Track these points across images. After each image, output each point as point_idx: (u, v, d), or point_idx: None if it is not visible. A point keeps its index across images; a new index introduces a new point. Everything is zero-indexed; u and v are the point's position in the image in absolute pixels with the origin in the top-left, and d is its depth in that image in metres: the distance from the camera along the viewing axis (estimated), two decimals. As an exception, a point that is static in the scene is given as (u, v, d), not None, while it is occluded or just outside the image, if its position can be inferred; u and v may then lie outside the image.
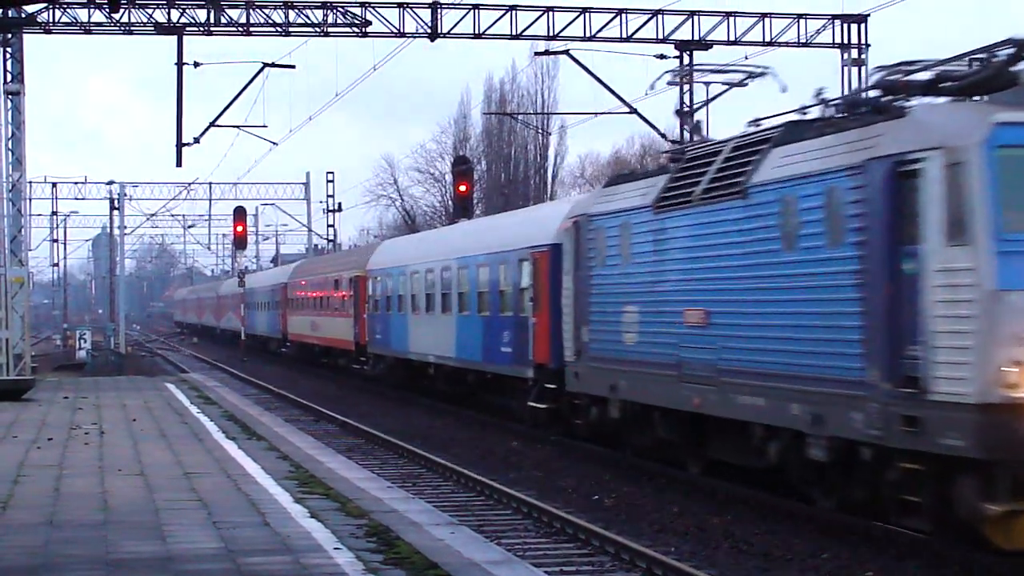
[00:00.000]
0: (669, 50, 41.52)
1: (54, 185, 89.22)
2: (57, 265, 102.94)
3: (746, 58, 42.33)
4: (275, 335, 69.53)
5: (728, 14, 41.40)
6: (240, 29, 40.15)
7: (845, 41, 41.67)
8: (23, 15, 39.45)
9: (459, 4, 39.84)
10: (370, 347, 45.42)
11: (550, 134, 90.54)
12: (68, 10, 39.32)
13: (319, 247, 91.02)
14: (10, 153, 41.11)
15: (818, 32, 41.79)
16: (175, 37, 39.86)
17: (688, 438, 21.94)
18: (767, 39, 41.63)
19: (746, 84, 44.80)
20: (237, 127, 47.11)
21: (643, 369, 22.42)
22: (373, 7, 40.08)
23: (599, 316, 24.27)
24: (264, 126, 47.82)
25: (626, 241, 23.10)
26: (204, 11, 39.72)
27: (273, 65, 41.62)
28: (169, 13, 39.65)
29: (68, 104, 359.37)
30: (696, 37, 41.29)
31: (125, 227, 78.16)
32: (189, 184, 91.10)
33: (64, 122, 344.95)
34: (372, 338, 45.04)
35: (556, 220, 27.85)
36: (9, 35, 40.17)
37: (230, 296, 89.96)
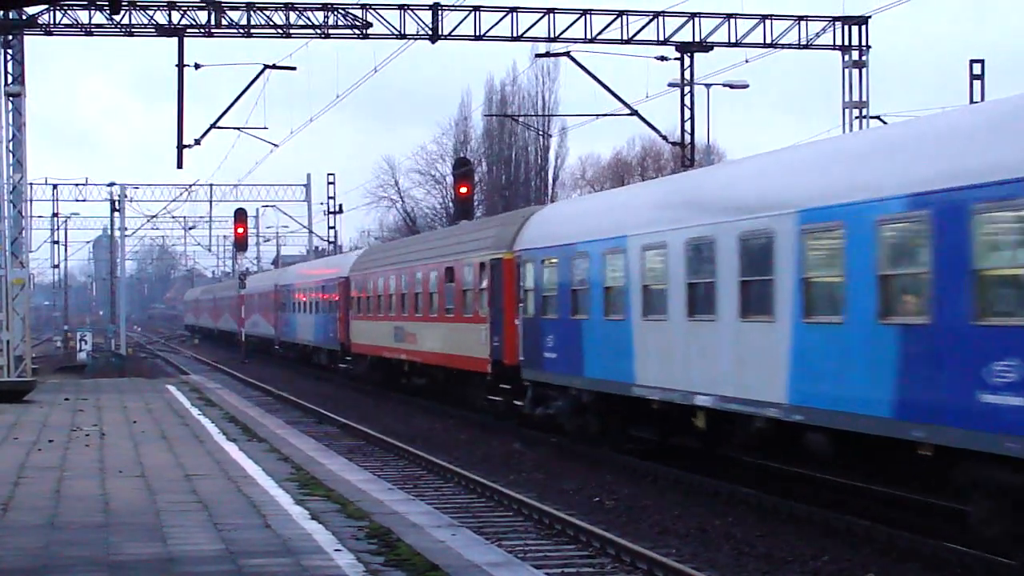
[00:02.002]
0: (670, 52, 41.56)
1: (55, 187, 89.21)
2: (58, 267, 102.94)
3: (746, 61, 42.47)
4: (326, 345, 53.72)
5: (729, 16, 41.41)
6: (241, 31, 40.17)
7: (846, 43, 41.66)
8: (24, 17, 39.45)
9: (460, 6, 39.89)
10: (528, 371, 28.68)
11: (551, 136, 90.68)
12: (69, 12, 39.33)
13: (319, 249, 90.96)
14: (11, 155, 41.11)
15: (819, 34, 41.78)
16: (174, 39, 39.85)
17: None
18: (768, 41, 41.63)
19: (746, 86, 44.52)
20: (238, 129, 47.08)
21: None
22: (374, 9, 40.10)
23: None
24: (265, 128, 47.76)
25: None
26: (205, 13, 39.74)
27: (274, 67, 41.61)
28: (170, 15, 39.67)
29: (64, 105, 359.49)
30: (697, 39, 41.29)
31: (126, 229, 78.16)
32: (190, 186, 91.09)
33: (60, 123, 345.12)
34: (534, 357, 28.25)
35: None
36: (10, 36, 40.17)
37: (257, 295, 76.07)
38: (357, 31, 40.20)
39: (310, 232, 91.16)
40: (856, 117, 41.25)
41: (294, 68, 41.73)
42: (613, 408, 24.92)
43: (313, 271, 60.64)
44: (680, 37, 41.30)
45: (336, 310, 50.87)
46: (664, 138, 46.46)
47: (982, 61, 43.57)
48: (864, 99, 41.44)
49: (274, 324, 68.45)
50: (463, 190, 46.47)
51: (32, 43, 40.94)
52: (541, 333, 27.74)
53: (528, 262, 28.67)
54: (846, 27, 41.76)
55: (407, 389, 41.90)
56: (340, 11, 40.11)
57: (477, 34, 40.47)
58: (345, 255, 59.94)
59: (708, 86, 45.57)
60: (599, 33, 41.01)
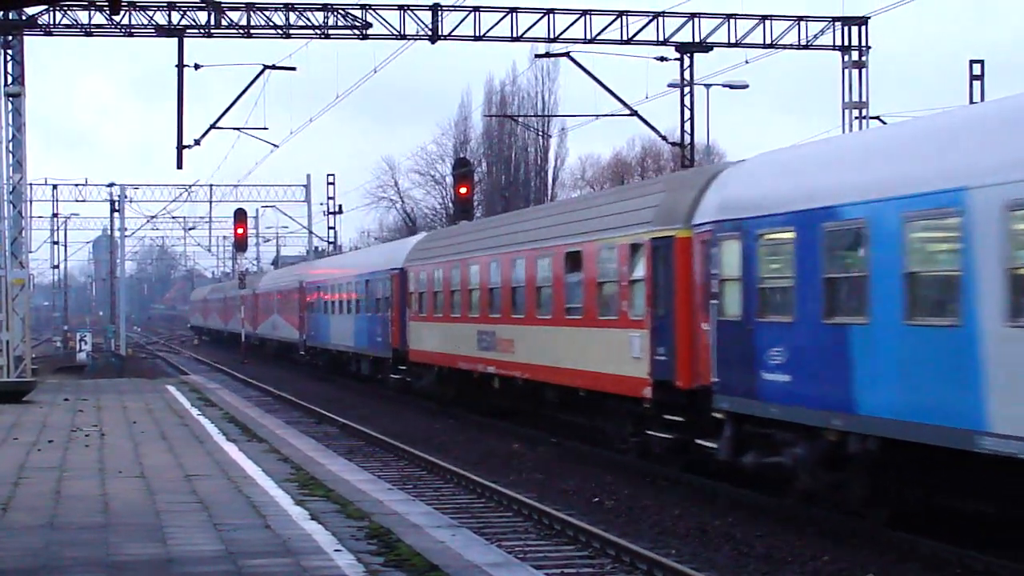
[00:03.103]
0: (670, 52, 41.58)
1: (54, 187, 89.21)
2: (57, 267, 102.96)
3: (746, 62, 42.48)
4: (373, 351, 44.54)
5: (729, 16, 41.42)
6: (241, 31, 40.19)
7: (846, 43, 41.67)
8: (24, 17, 39.46)
9: (460, 6, 39.90)
10: (727, 399, 19.83)
11: (550, 136, 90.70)
12: (68, 12, 39.34)
13: (319, 249, 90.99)
14: (10, 155, 41.11)
15: (819, 34, 41.80)
16: (172, 39, 39.87)
17: None
18: (768, 41, 41.65)
19: (746, 87, 44.51)
20: (238, 129, 47.08)
21: None
22: (374, 9, 40.11)
23: None
24: (265, 128, 47.78)
25: None
26: (205, 13, 39.75)
27: (274, 67, 41.63)
28: (170, 15, 39.69)
29: (61, 105, 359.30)
30: (696, 39, 41.30)
31: (125, 229, 78.17)
32: (190, 186, 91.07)
33: (57, 123, 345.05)
34: (742, 379, 19.41)
35: None
36: (10, 37, 40.18)
37: (277, 294, 68.33)
38: (357, 31, 40.21)
39: (310, 232, 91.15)
40: (856, 117, 41.26)
41: (294, 68, 41.81)
42: (913, 466, 16.60)
43: (352, 264, 51.75)
44: (680, 37, 41.33)
45: (387, 309, 41.66)
46: (664, 138, 46.48)
47: (982, 61, 43.61)
48: (864, 99, 41.45)
49: (299, 326, 59.50)
50: (463, 190, 46.46)
51: (29, 43, 40.85)
52: (757, 343, 18.89)
53: (729, 239, 19.81)
54: (846, 27, 41.77)
55: (494, 410, 33.36)
56: (340, 11, 40.12)
57: (477, 34, 40.48)
58: (398, 242, 48.63)
59: (708, 86, 45.56)
60: (599, 33, 41.03)
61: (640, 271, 22.91)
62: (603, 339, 24.64)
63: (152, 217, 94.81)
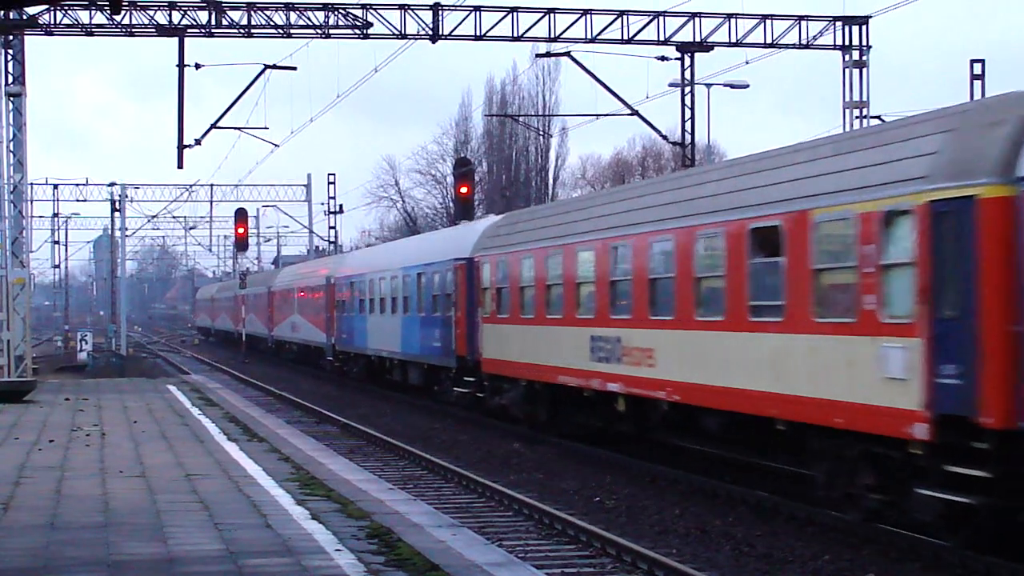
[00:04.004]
0: (670, 52, 41.59)
1: (55, 187, 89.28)
2: (58, 267, 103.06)
3: (747, 62, 42.47)
4: (430, 359, 37.61)
5: (729, 16, 41.42)
6: (241, 31, 40.18)
7: (847, 43, 41.66)
8: (24, 17, 39.46)
9: (460, 6, 39.91)
10: None
11: (551, 136, 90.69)
12: (69, 12, 39.35)
13: (320, 248, 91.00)
14: (11, 155, 41.12)
15: (819, 34, 41.80)
16: (171, 38, 39.87)
17: None
18: (768, 41, 41.64)
19: (747, 86, 44.45)
20: (238, 129, 47.09)
21: None
22: (374, 9, 40.11)
23: None
24: (265, 128, 47.78)
25: None
26: (205, 13, 39.75)
27: (274, 67, 41.63)
28: (170, 15, 39.68)
29: (58, 105, 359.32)
30: (697, 39, 41.30)
31: (126, 229, 78.15)
32: (190, 186, 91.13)
33: (55, 123, 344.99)
34: None
35: None
36: (10, 37, 40.19)
37: (297, 292, 61.76)
38: (357, 31, 40.20)
39: (311, 232, 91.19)
40: (856, 117, 41.26)
41: (294, 68, 41.80)
42: None
43: (398, 256, 43.77)
44: (680, 37, 41.33)
45: (449, 308, 34.86)
46: (664, 138, 46.50)
47: (983, 61, 43.61)
48: (864, 99, 41.45)
49: (325, 328, 52.93)
50: (463, 190, 46.46)
51: (26, 42, 40.81)
52: None
53: None
54: (846, 27, 41.78)
55: (613, 437, 26.55)
56: (340, 11, 40.12)
57: (477, 34, 40.47)
58: (462, 227, 39.51)
59: (708, 86, 45.64)
60: (599, 33, 41.03)
61: (904, 251, 15.90)
62: (827, 350, 17.45)
63: (153, 217, 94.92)
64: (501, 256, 30.59)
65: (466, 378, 33.39)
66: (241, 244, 68.51)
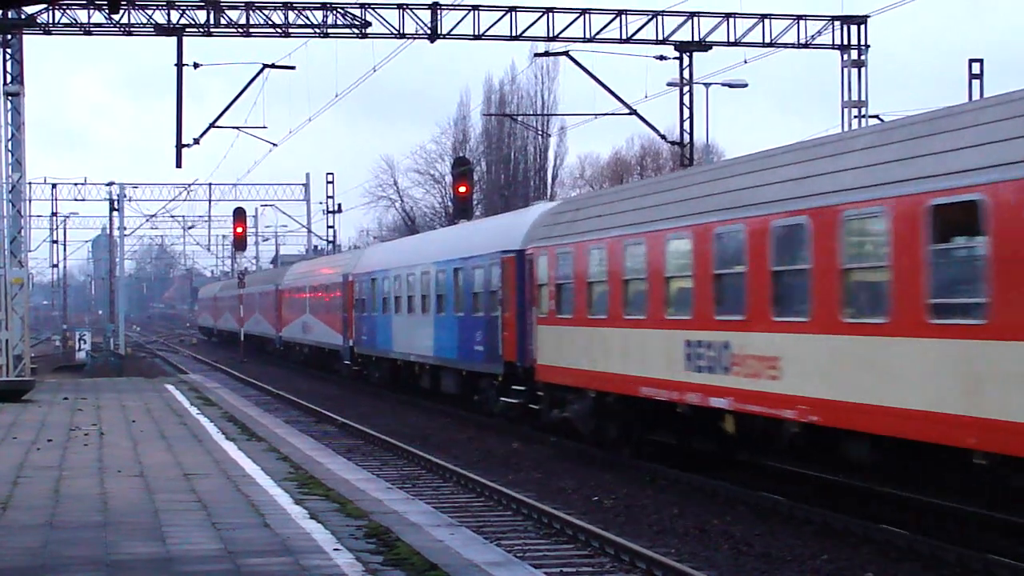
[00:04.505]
0: (669, 51, 41.61)
1: (54, 186, 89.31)
2: (57, 266, 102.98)
3: (745, 62, 42.49)
4: (470, 364, 33.21)
5: (728, 15, 41.43)
6: (240, 30, 40.17)
7: (845, 42, 41.67)
8: (23, 16, 39.45)
9: (459, 5, 39.90)
10: None
11: (550, 135, 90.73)
12: (68, 11, 39.34)
13: (319, 248, 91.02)
14: (10, 154, 41.12)
15: (818, 33, 41.82)
16: (169, 38, 39.87)
17: None
18: (767, 40, 41.65)
19: (745, 86, 44.51)
20: (237, 128, 47.09)
21: None
22: (373, 8, 40.11)
23: None
24: (264, 127, 47.81)
25: None
26: (204, 12, 39.74)
27: (273, 66, 41.62)
28: (169, 14, 39.67)
29: (55, 104, 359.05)
30: (696, 38, 41.32)
31: (125, 228, 78.16)
32: (189, 185, 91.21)
33: (52, 122, 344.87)
34: None
35: None
36: (9, 36, 40.18)
37: (310, 290, 57.84)
38: (356, 30, 40.20)
39: (309, 231, 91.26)
40: (855, 116, 41.28)
41: (293, 67, 41.78)
42: None
43: (429, 249, 39.28)
44: (679, 36, 41.34)
45: (495, 307, 31.05)
46: (663, 137, 46.49)
47: (981, 60, 43.66)
48: (863, 98, 41.46)
49: (342, 329, 49.15)
50: (462, 189, 46.43)
51: (24, 41, 40.82)
52: None
53: None
54: (845, 26, 41.79)
55: (709, 462, 23.18)
56: (339, 10, 40.12)
57: (476, 33, 40.47)
58: (510, 216, 36.44)
59: (707, 85, 45.64)
60: (598, 32, 41.03)
61: None
62: None
63: (151, 216, 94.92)
64: (562, 247, 26.19)
65: (515, 387, 29.34)
66: (239, 243, 68.49)
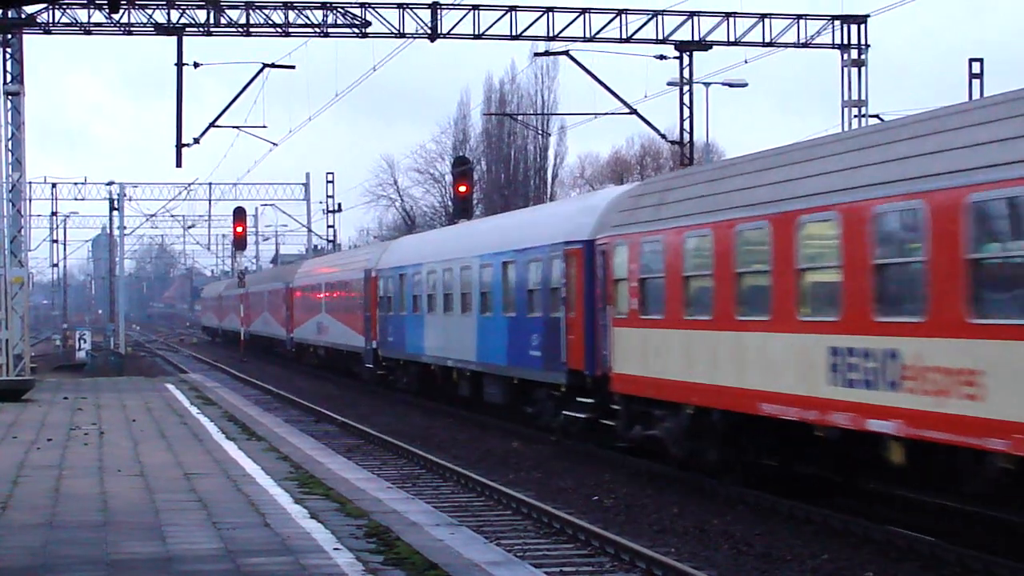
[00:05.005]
0: (669, 51, 41.60)
1: (53, 186, 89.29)
2: (57, 266, 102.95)
3: (745, 61, 42.49)
4: (521, 371, 29.31)
5: (728, 15, 41.43)
6: (240, 30, 40.16)
7: (845, 42, 41.66)
8: (23, 16, 39.45)
9: (459, 4, 39.88)
10: None
11: (550, 135, 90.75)
12: (68, 11, 39.34)
13: (319, 247, 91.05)
14: (10, 154, 41.12)
15: (818, 33, 41.81)
16: (169, 37, 39.86)
17: None
18: (767, 40, 41.65)
19: (745, 85, 44.51)
20: (237, 127, 47.07)
21: None
22: (373, 7, 40.10)
23: None
24: (264, 126, 47.79)
25: None
26: (204, 11, 39.73)
27: (273, 65, 41.61)
28: (169, 14, 39.67)
29: (54, 104, 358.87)
30: (696, 38, 41.31)
31: (125, 228, 78.17)
32: (189, 185, 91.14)
33: (51, 121, 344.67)
34: None
35: None
36: (9, 36, 40.19)
37: (325, 287, 53.91)
38: (356, 30, 40.19)
39: (309, 231, 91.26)
40: (855, 116, 41.28)
41: (293, 67, 41.78)
42: None
43: (470, 240, 34.75)
44: (679, 36, 41.33)
45: (556, 307, 26.75)
46: (663, 137, 46.50)
47: (981, 60, 43.66)
48: (863, 98, 41.45)
49: (364, 330, 45.13)
50: (462, 189, 46.43)
51: (24, 41, 40.83)
52: None
53: None
54: (845, 26, 41.78)
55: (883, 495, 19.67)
56: (339, 10, 40.11)
57: (476, 33, 40.46)
58: (574, 201, 33.73)
59: (707, 85, 45.63)
60: (598, 32, 41.03)
61: None
62: None
63: (151, 215, 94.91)
64: (649, 236, 22.13)
65: (580, 399, 25.59)
66: (239, 243, 68.48)
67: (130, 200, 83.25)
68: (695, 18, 41.25)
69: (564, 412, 26.33)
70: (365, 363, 44.76)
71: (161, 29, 39.77)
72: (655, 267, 21.81)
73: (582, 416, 25.40)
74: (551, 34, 41.04)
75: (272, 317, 69.29)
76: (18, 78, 40.74)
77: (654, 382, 21.76)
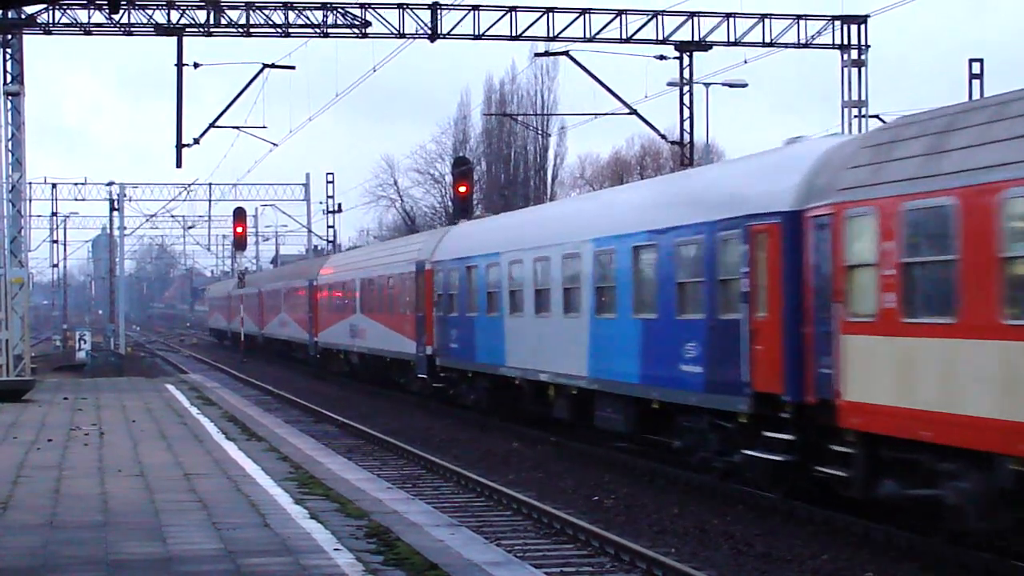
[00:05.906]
0: (669, 51, 41.61)
1: (54, 186, 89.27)
2: (57, 266, 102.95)
3: (745, 61, 42.49)
4: (670, 391, 21.78)
5: (728, 15, 41.44)
6: (240, 30, 40.16)
7: (845, 42, 41.66)
8: (23, 16, 39.46)
9: (459, 5, 39.90)
10: None
11: (550, 135, 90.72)
12: (68, 11, 39.34)
13: (318, 248, 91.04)
14: (10, 154, 41.12)
15: (818, 33, 41.81)
16: (169, 38, 39.85)
17: None
18: (767, 40, 41.65)
19: (745, 85, 44.57)
20: (237, 128, 47.06)
21: None
22: (373, 8, 40.10)
23: None
24: (264, 127, 47.80)
25: None
26: (204, 12, 39.73)
27: (273, 66, 41.61)
28: (169, 14, 39.67)
29: (52, 104, 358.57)
30: (696, 38, 41.32)
31: (125, 228, 78.17)
32: (189, 185, 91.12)
33: (50, 121, 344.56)
34: None
35: None
36: (9, 36, 40.19)
37: (360, 284, 47.22)
38: (356, 30, 40.20)
39: (309, 231, 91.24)
40: (855, 116, 41.28)
41: (293, 67, 41.78)
42: None
43: (577, 220, 27.27)
44: (679, 36, 41.35)
45: (733, 307, 19.71)
46: (663, 137, 46.48)
47: (981, 60, 43.67)
48: (863, 98, 41.46)
49: (414, 334, 38.28)
50: (462, 189, 46.43)
51: (24, 41, 40.84)
52: None
53: None
54: (845, 26, 41.78)
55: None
56: (339, 10, 40.12)
57: (476, 33, 40.47)
58: (753, 159, 21.82)
59: (707, 85, 45.59)
60: (598, 32, 41.04)
61: None
62: None
63: (151, 216, 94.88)
64: (921, 199, 15.17)
65: (769, 433, 18.71)
66: (240, 243, 68.44)
67: (130, 200, 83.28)
68: (695, 18, 41.27)
69: (744, 451, 19.42)
70: (417, 373, 37.85)
71: (161, 29, 39.77)
72: (937, 245, 14.92)
73: (778, 459, 18.54)
74: (551, 34, 41.04)
75: (290, 318, 62.45)
76: (18, 78, 40.73)
77: (930, 417, 14.84)
